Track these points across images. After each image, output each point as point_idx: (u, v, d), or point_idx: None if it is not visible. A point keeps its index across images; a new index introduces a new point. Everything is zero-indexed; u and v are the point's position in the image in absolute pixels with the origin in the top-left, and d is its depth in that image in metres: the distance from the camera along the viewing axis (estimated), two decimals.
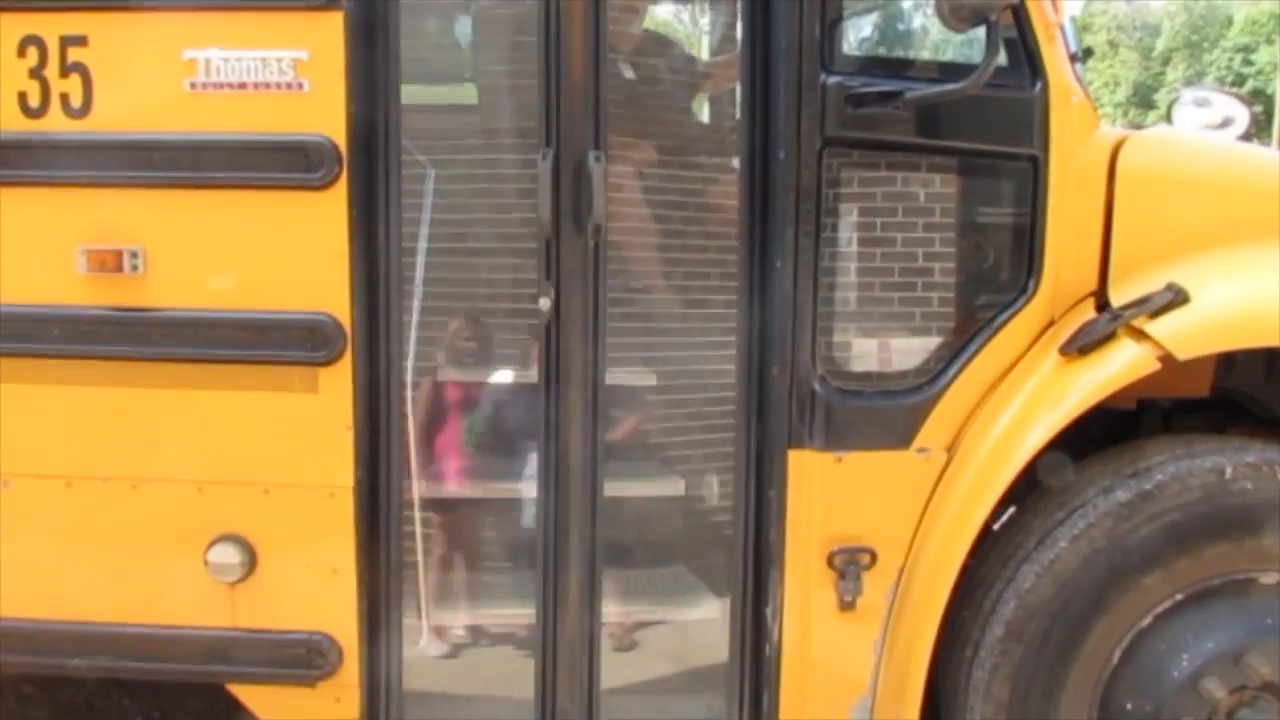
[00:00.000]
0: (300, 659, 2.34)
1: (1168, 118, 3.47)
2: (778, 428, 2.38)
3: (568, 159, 2.34)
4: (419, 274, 2.58)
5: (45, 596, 2.36)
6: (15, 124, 2.25)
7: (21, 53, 2.23)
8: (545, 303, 2.36)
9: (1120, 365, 2.33)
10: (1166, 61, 32.29)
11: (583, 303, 2.38)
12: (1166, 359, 2.30)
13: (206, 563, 2.31)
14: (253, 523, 2.32)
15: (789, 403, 2.36)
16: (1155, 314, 2.33)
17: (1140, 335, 2.33)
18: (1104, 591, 2.36)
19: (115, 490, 2.33)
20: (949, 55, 2.73)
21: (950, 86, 2.24)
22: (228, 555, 2.30)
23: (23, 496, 2.34)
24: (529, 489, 2.75)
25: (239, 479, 2.32)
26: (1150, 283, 2.36)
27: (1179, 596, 2.38)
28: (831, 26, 2.31)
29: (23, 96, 2.25)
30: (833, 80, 2.30)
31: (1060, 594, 2.35)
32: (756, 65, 2.38)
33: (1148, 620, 2.39)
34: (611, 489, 2.81)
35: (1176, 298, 2.32)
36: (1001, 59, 2.34)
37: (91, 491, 2.33)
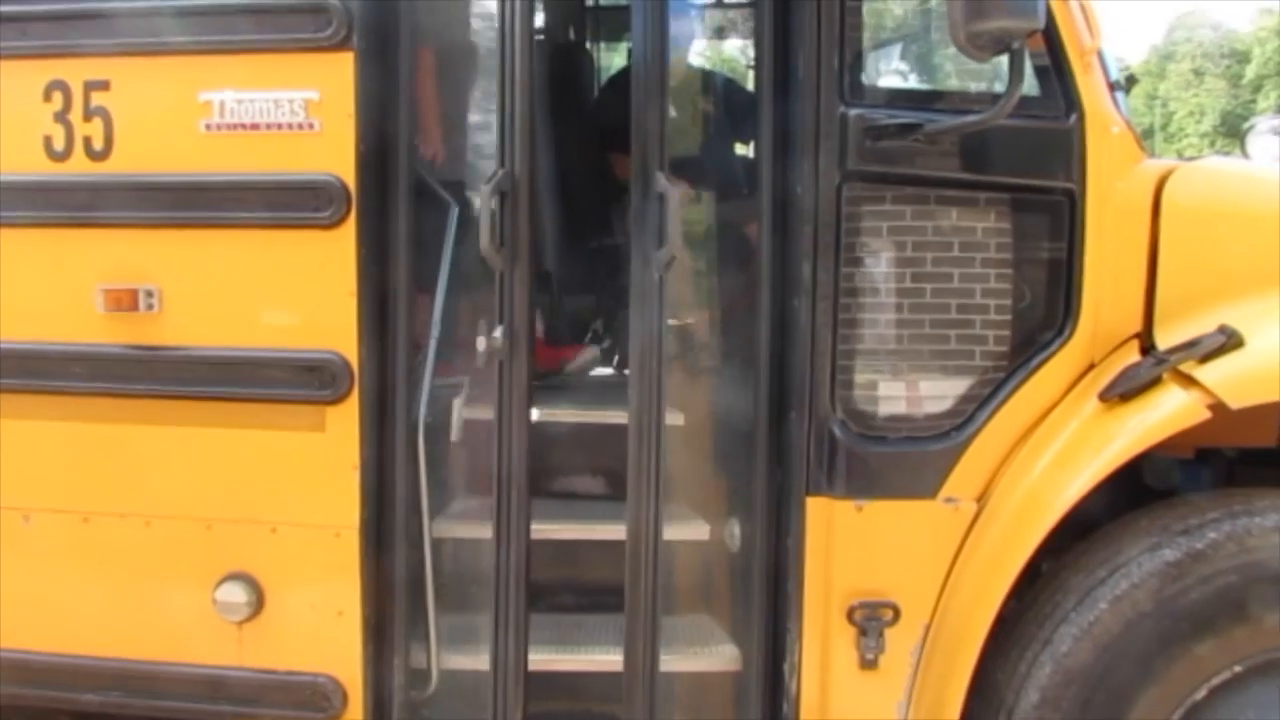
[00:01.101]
0: (304, 701, 2.31)
1: (1242, 148, 3.26)
2: (795, 473, 2.28)
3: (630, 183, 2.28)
4: (437, 311, 2.56)
5: (62, 631, 2.38)
6: (41, 167, 2.31)
7: (47, 97, 2.29)
8: (482, 342, 2.28)
9: (1166, 414, 2.17)
10: (1257, 89, 31.06)
11: (645, 341, 2.29)
12: (1218, 408, 2.13)
13: (214, 601, 2.30)
14: (260, 562, 2.32)
15: (807, 447, 2.26)
16: (1205, 358, 2.17)
17: (1188, 381, 2.17)
18: (1151, 660, 2.18)
19: (130, 526, 2.35)
20: (987, 85, 2.61)
21: (972, 118, 2.13)
22: (235, 594, 2.29)
23: (42, 531, 2.37)
24: (552, 530, 2.71)
25: (247, 517, 2.32)
26: (1200, 325, 2.21)
27: (1238, 669, 2.19)
28: (852, 58, 2.23)
29: (48, 140, 2.31)
30: (853, 113, 2.21)
31: (1101, 660, 2.19)
32: (777, 98, 2.31)
33: (1202, 694, 2.21)
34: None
35: (1229, 341, 2.16)
36: (1033, 88, 2.25)
37: (107, 527, 2.36)
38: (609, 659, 2.54)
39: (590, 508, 2.86)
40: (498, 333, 2.24)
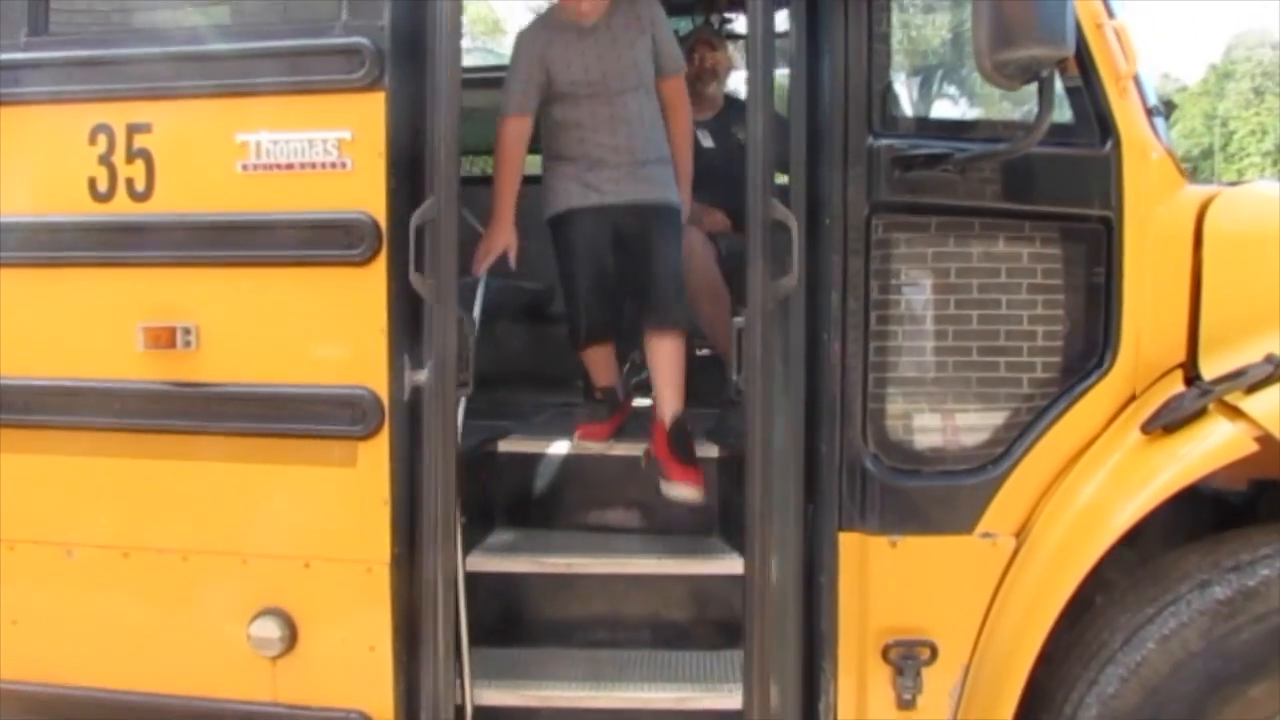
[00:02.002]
0: None
1: None
2: (827, 508, 2.24)
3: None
4: (470, 346, 2.58)
5: (105, 666, 2.40)
6: (85, 208, 2.37)
7: (92, 140, 2.36)
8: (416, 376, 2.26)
9: (1211, 446, 2.10)
10: None
11: (756, 372, 2.21)
12: (1266, 440, 2.06)
13: (249, 637, 2.32)
14: (294, 597, 2.33)
15: (838, 481, 2.22)
16: (1252, 389, 2.10)
17: (1234, 413, 2.10)
18: (1202, 702, 2.10)
19: (168, 562, 2.37)
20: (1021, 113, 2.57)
21: (1001, 147, 2.10)
22: (268, 630, 2.30)
23: (84, 566, 2.41)
24: (593, 565, 2.70)
25: (281, 552, 2.33)
26: (1246, 354, 2.14)
27: None
28: (880, 87, 2.22)
29: (92, 182, 2.36)
30: (881, 143, 2.19)
31: (1149, 701, 2.12)
32: (805, 128, 2.30)
33: None
34: (668, 565, 2.73)
35: (1277, 371, 2.09)
36: (1067, 115, 2.21)
37: (147, 562, 2.38)
38: (641, 695, 2.52)
39: (625, 541, 2.85)
40: (425, 370, 2.21)
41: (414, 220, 2.20)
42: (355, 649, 2.31)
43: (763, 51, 2.23)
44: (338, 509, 2.31)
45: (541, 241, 3.28)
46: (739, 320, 2.20)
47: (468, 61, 3.93)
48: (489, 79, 3.25)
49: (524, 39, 2.97)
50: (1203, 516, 2.32)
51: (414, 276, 2.21)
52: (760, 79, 2.23)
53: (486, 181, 3.21)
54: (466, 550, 2.51)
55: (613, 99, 2.94)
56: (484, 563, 2.66)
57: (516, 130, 2.91)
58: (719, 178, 3.38)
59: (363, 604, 2.30)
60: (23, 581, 2.41)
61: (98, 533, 2.41)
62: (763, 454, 2.23)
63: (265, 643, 2.31)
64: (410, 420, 2.32)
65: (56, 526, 2.42)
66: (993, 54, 1.87)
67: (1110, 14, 2.20)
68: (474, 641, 2.44)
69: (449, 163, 2.22)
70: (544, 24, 3.00)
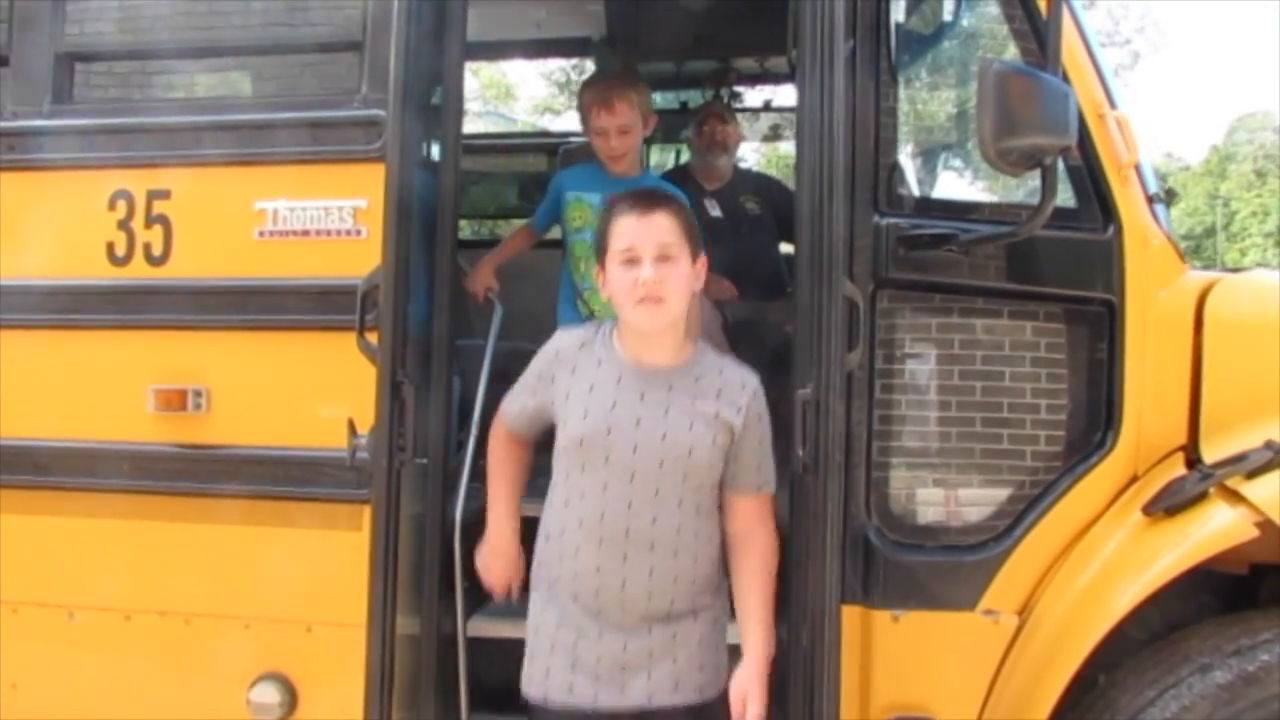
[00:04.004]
0: None
1: None
2: (830, 580, 2.24)
3: None
4: (478, 409, 2.60)
5: None
6: (102, 272, 2.42)
7: (112, 206, 2.41)
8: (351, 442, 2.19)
9: (1213, 530, 2.11)
10: None
11: (827, 443, 2.05)
12: (1266, 526, 2.07)
13: (249, 702, 2.31)
14: (294, 662, 2.33)
15: (840, 554, 2.22)
16: (1252, 474, 2.11)
17: (1235, 498, 2.12)
18: None
19: (170, 625, 2.38)
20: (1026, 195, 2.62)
21: (1005, 230, 2.14)
22: (268, 695, 2.30)
23: (85, 629, 2.41)
24: None
25: (284, 616, 2.34)
26: (1247, 439, 2.16)
27: None
28: (886, 167, 2.26)
29: (110, 246, 2.41)
30: (886, 222, 2.23)
31: None
32: (814, 205, 2.34)
33: None
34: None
35: (1277, 457, 2.11)
36: (1070, 200, 2.25)
37: (149, 625, 2.39)
38: None
39: None
40: (363, 436, 2.18)
41: (363, 284, 2.18)
42: (356, 716, 2.29)
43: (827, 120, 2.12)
44: (342, 573, 2.31)
45: (549, 303, 3.31)
46: (804, 392, 2.07)
47: (480, 126, 4.02)
48: (496, 145, 3.30)
49: (556, 341, 2.10)
50: (1206, 597, 2.33)
51: (358, 341, 2.18)
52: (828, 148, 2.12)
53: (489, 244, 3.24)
54: (469, 615, 2.51)
55: (635, 507, 1.96)
56: (486, 628, 2.64)
57: (501, 442, 2.18)
58: (727, 247, 3.43)
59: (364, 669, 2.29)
60: (24, 644, 2.41)
61: (100, 595, 2.41)
62: (834, 531, 2.08)
63: (265, 708, 2.31)
64: (419, 484, 2.33)
65: (59, 588, 2.42)
66: (996, 142, 1.92)
67: (1112, 104, 2.25)
68: (476, 707, 2.43)
69: (399, 232, 2.18)
70: (584, 337, 2.05)
